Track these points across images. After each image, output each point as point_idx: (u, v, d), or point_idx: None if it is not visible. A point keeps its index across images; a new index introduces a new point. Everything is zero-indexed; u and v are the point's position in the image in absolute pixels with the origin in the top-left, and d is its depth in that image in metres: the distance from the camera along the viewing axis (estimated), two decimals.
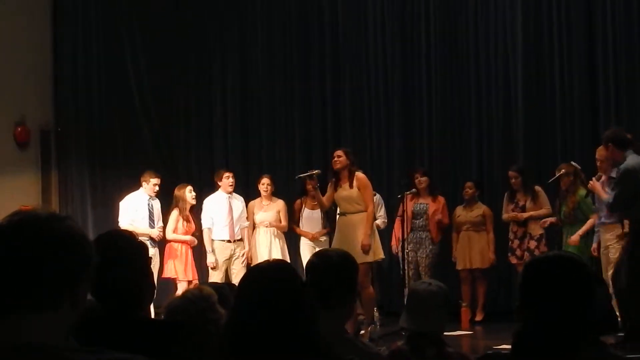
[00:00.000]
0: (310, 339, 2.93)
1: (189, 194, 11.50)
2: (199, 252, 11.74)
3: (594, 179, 9.53)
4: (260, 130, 13.63)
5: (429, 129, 12.90)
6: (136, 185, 11.59)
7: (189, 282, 11.37)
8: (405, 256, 11.13)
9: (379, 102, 13.15)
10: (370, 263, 10.21)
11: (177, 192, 11.54)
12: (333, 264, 3.90)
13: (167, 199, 11.64)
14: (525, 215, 11.31)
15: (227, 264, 11.53)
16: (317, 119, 13.41)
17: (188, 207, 11.50)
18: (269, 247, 11.70)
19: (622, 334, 8.28)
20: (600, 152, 9.53)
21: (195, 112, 13.90)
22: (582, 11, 12.28)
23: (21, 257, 1.91)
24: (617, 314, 7.40)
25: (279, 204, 11.96)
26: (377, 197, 11.54)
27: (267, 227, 11.75)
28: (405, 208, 11.14)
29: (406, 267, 11.07)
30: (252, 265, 11.15)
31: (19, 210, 2.04)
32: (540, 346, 2.89)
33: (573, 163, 10.62)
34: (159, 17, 13.72)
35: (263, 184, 11.86)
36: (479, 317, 11.77)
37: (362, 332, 9.69)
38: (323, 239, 11.72)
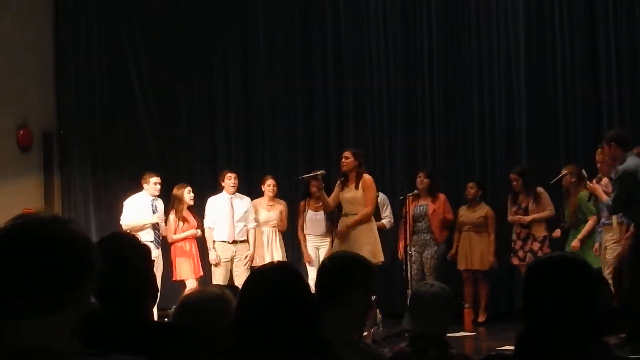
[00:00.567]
0: (313, 341, 2.93)
1: (187, 194, 11.49)
2: (202, 250, 11.73)
3: (593, 181, 9.54)
4: (263, 131, 13.64)
5: (432, 129, 12.90)
6: (139, 188, 11.58)
7: (197, 279, 11.41)
8: (409, 258, 11.13)
9: (381, 102, 13.15)
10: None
11: (175, 191, 11.53)
12: (342, 267, 3.88)
13: (166, 199, 11.63)
14: (529, 218, 11.30)
15: (229, 266, 11.52)
16: (320, 120, 13.41)
17: (185, 207, 11.49)
18: (270, 247, 11.71)
19: (624, 335, 8.27)
20: (600, 154, 9.56)
21: (198, 113, 13.91)
22: (584, 11, 12.28)
23: (24, 260, 1.92)
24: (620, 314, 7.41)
25: (282, 203, 11.99)
26: (383, 197, 11.54)
27: (272, 227, 11.77)
28: (407, 210, 11.15)
29: (409, 269, 11.07)
30: (254, 265, 11.19)
31: (22, 213, 2.04)
32: (543, 347, 2.89)
33: (583, 171, 10.57)
34: (160, 19, 13.73)
35: (269, 185, 11.87)
36: (481, 318, 11.77)
37: (365, 333, 9.68)
38: (327, 240, 11.70)
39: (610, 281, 8.93)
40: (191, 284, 11.24)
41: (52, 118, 13.46)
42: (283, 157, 13.49)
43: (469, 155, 12.78)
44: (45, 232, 1.95)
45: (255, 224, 11.70)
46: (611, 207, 8.92)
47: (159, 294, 3.51)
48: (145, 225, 11.20)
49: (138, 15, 13.77)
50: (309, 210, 11.76)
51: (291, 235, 12.16)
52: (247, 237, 11.65)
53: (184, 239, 11.48)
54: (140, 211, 11.35)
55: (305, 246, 11.77)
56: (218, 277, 11.33)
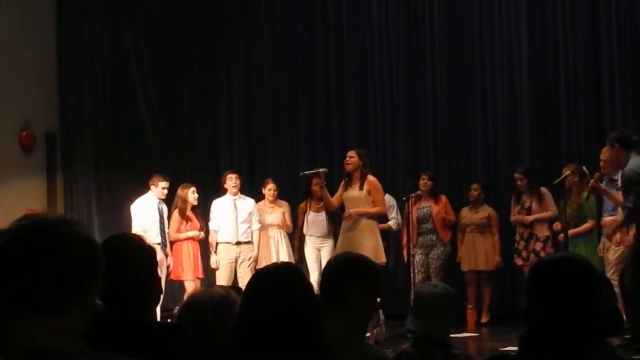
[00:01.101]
0: (316, 342, 2.94)
1: (191, 194, 11.50)
2: (205, 252, 11.74)
3: (595, 179, 9.50)
4: (265, 133, 13.64)
5: (434, 130, 12.90)
6: (142, 189, 11.59)
7: (196, 280, 11.41)
8: (412, 259, 11.13)
9: (384, 103, 13.15)
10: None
11: (179, 191, 11.53)
12: (347, 267, 3.88)
13: (171, 201, 11.63)
14: (531, 218, 11.29)
15: (233, 267, 11.52)
16: (322, 121, 13.41)
17: (189, 207, 11.50)
18: (275, 249, 11.72)
19: (628, 336, 8.27)
20: (605, 153, 9.52)
21: (200, 115, 13.92)
22: (587, 12, 12.28)
23: (30, 261, 1.92)
24: (623, 315, 7.40)
25: (283, 205, 11.99)
26: (390, 198, 11.52)
27: (275, 228, 11.77)
28: (410, 211, 11.14)
29: (413, 270, 11.06)
30: (257, 267, 11.18)
31: (27, 214, 2.04)
32: (546, 348, 2.89)
33: (583, 168, 10.56)
34: (163, 20, 13.74)
35: (270, 190, 11.87)
36: (484, 319, 11.76)
37: (368, 334, 9.68)
38: (329, 241, 11.69)
39: (614, 282, 8.90)
40: (190, 285, 11.24)
41: (55, 119, 13.47)
42: (286, 159, 13.50)
43: (472, 156, 12.78)
44: (51, 233, 1.95)
45: (260, 225, 11.68)
46: (633, 211, 8.69)
47: (162, 295, 3.50)
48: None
49: (141, 17, 13.79)
50: (310, 212, 11.75)
51: (294, 236, 12.15)
52: (252, 238, 11.63)
53: (186, 239, 11.48)
54: (149, 216, 11.32)
55: (297, 249, 11.80)
56: (222, 279, 11.33)
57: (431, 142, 12.91)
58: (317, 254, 11.68)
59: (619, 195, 9.01)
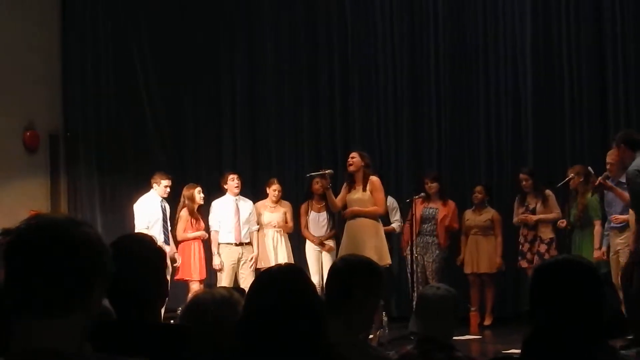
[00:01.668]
0: (319, 343, 2.94)
1: (197, 194, 11.52)
2: (207, 252, 11.75)
3: (602, 177, 9.49)
4: (269, 133, 13.63)
5: (438, 132, 12.89)
6: (145, 189, 11.58)
7: (200, 281, 11.43)
8: (415, 261, 11.12)
9: (387, 105, 13.14)
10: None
11: (185, 191, 11.55)
12: (353, 270, 3.90)
13: (174, 201, 11.64)
14: (535, 218, 11.28)
15: (236, 268, 11.53)
16: (326, 122, 13.40)
17: (197, 206, 11.52)
18: (275, 249, 11.71)
19: (631, 337, 8.24)
20: (611, 155, 9.50)
21: (204, 115, 13.91)
22: (591, 13, 12.27)
23: (37, 261, 1.92)
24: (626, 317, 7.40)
25: (285, 205, 11.99)
26: (392, 201, 11.53)
27: (275, 228, 11.76)
28: (414, 212, 11.14)
29: (415, 271, 11.06)
30: (258, 267, 11.20)
31: (36, 214, 2.05)
32: (549, 350, 2.89)
33: (589, 168, 10.54)
34: (167, 21, 13.74)
35: (274, 190, 11.86)
36: (487, 322, 11.75)
37: (371, 336, 9.68)
38: (330, 242, 11.70)
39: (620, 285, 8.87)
40: (195, 286, 11.26)
41: (59, 120, 13.49)
42: (289, 160, 13.49)
43: (475, 158, 12.77)
44: (59, 233, 1.95)
45: (258, 226, 11.70)
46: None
47: (167, 297, 3.50)
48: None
49: (144, 18, 13.79)
50: (312, 212, 11.76)
51: (297, 237, 12.14)
52: (251, 239, 11.66)
53: (194, 238, 11.50)
54: (152, 214, 11.33)
55: (313, 237, 11.77)
56: (224, 280, 11.34)
57: (435, 143, 12.89)
58: (318, 256, 11.68)
59: (627, 194, 9.01)
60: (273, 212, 11.84)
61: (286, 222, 11.88)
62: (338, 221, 11.36)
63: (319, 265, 11.58)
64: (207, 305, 3.55)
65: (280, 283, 3.02)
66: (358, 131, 13.19)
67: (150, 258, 3.34)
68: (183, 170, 13.37)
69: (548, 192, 11.31)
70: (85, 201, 13.52)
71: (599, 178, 9.56)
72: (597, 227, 10.48)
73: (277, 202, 11.90)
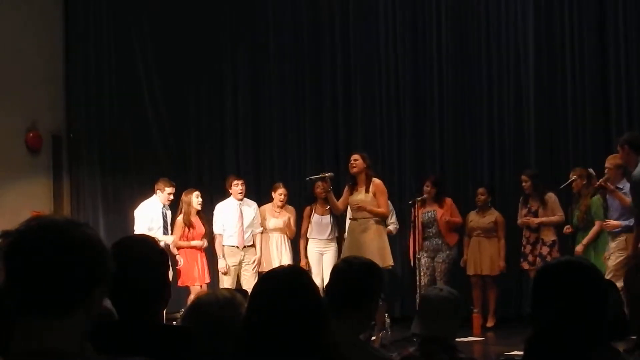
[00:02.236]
0: (322, 345, 2.94)
1: (195, 199, 11.49)
2: (211, 256, 11.74)
3: (604, 179, 9.49)
4: (272, 136, 13.64)
5: (441, 133, 12.89)
6: (148, 191, 11.59)
7: (201, 286, 11.42)
8: (418, 263, 11.13)
9: (390, 107, 13.15)
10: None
11: (184, 197, 11.53)
12: (356, 272, 3.92)
13: (175, 204, 11.63)
14: (537, 221, 11.28)
15: (238, 270, 11.53)
16: (328, 125, 13.41)
17: (193, 212, 11.49)
18: (278, 253, 11.73)
19: (634, 338, 8.21)
20: (610, 160, 9.51)
21: (207, 118, 13.92)
22: (593, 16, 12.27)
23: (38, 263, 1.92)
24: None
25: (290, 210, 11.99)
26: (388, 203, 11.52)
27: (279, 232, 11.77)
28: (416, 214, 11.15)
29: (419, 274, 11.06)
30: (261, 270, 11.20)
31: (36, 215, 2.05)
32: (552, 352, 2.89)
33: (589, 170, 10.55)
34: (170, 23, 13.74)
35: (280, 194, 11.87)
36: (490, 323, 11.75)
37: (374, 338, 9.68)
38: (332, 245, 11.68)
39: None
40: (195, 291, 11.24)
41: (62, 121, 13.48)
42: (291, 163, 13.50)
43: (478, 160, 12.78)
44: (59, 234, 1.95)
45: (262, 229, 11.70)
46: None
47: (169, 299, 3.50)
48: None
49: (147, 19, 13.79)
50: (315, 214, 11.76)
51: (298, 242, 12.12)
52: (254, 241, 11.65)
53: (189, 247, 11.45)
54: (153, 221, 11.31)
55: (305, 254, 11.78)
56: (227, 282, 11.34)
57: (437, 146, 12.90)
58: (320, 258, 11.69)
59: (628, 199, 9.00)
60: (278, 218, 11.85)
61: (289, 227, 11.88)
62: (342, 224, 11.35)
63: (320, 267, 11.58)
64: (210, 306, 3.55)
65: (283, 284, 3.02)
66: (360, 134, 13.19)
67: (152, 259, 3.34)
68: (185, 173, 13.39)
69: (549, 194, 11.30)
70: (88, 202, 13.51)
71: (600, 180, 9.57)
72: (596, 227, 10.47)
73: (282, 207, 11.89)
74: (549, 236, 11.28)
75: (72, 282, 1.93)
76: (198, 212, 11.56)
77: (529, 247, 11.39)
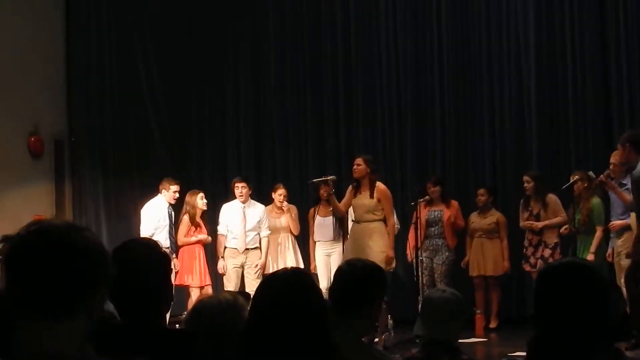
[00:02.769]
0: (326, 347, 2.94)
1: (200, 200, 11.50)
2: (211, 258, 11.73)
3: (604, 175, 9.50)
4: (273, 138, 13.64)
5: (442, 135, 12.89)
6: (150, 195, 11.58)
7: (201, 287, 11.41)
8: (420, 263, 11.13)
9: (391, 108, 13.15)
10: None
11: (188, 198, 11.54)
12: (359, 274, 3.92)
13: (177, 207, 11.63)
14: (540, 224, 11.26)
15: (240, 272, 11.51)
16: (330, 127, 13.41)
17: (199, 213, 11.51)
18: (283, 254, 11.71)
19: (635, 334, 8.22)
20: (615, 156, 9.50)
21: (208, 121, 13.93)
22: (595, 17, 12.26)
23: (39, 267, 1.93)
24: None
25: (291, 208, 11.98)
26: None
27: (284, 232, 11.76)
28: (419, 215, 11.15)
29: (420, 275, 11.07)
30: (265, 273, 11.18)
31: (36, 220, 2.05)
32: (554, 353, 2.89)
33: (589, 173, 10.54)
34: (171, 25, 13.75)
35: (280, 195, 11.87)
36: (493, 324, 11.74)
37: (376, 340, 9.67)
38: (337, 246, 11.67)
39: (624, 287, 8.86)
40: (195, 292, 11.24)
41: (63, 125, 13.48)
42: (293, 165, 13.50)
43: (479, 161, 12.77)
44: (59, 239, 1.96)
45: (269, 232, 11.68)
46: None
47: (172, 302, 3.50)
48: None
49: (149, 22, 13.80)
50: (318, 216, 11.74)
51: (305, 240, 12.11)
52: (260, 244, 11.63)
53: (195, 242, 11.47)
54: (159, 220, 11.32)
55: (314, 257, 11.76)
56: (229, 284, 11.34)
57: (439, 147, 12.89)
58: (327, 261, 11.66)
59: (628, 196, 9.00)
60: (281, 217, 11.85)
61: (293, 224, 11.87)
62: (345, 225, 11.35)
63: (327, 269, 11.56)
64: (212, 309, 3.55)
65: (286, 287, 3.03)
66: (362, 136, 13.20)
67: (155, 262, 3.34)
68: (188, 176, 13.38)
69: (551, 196, 11.29)
70: (90, 206, 13.51)
71: (601, 176, 9.58)
72: (598, 233, 10.47)
73: (281, 207, 11.89)
74: (552, 238, 11.26)
75: (73, 285, 1.94)
76: (202, 214, 11.57)
77: (531, 249, 11.38)
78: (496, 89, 12.71)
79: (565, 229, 10.95)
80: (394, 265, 10.38)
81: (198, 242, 11.51)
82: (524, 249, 11.45)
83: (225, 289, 10.84)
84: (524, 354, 3.07)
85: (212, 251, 11.77)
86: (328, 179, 10.50)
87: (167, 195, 11.40)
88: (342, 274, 3.99)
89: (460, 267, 11.91)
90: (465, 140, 12.82)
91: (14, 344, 1.95)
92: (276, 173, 13.35)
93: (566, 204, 11.11)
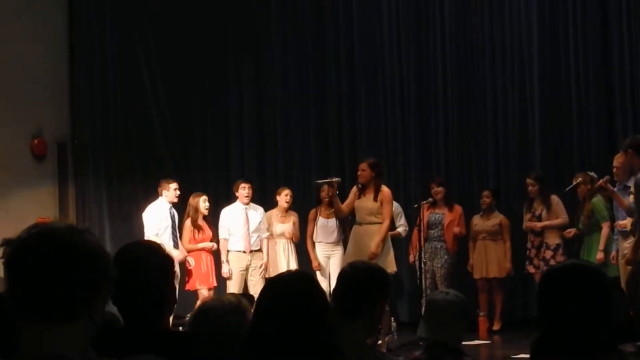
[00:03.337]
0: (329, 349, 2.94)
1: (202, 203, 11.50)
2: (218, 260, 11.74)
3: (604, 180, 9.50)
4: (276, 141, 13.63)
5: (445, 137, 12.88)
6: (153, 197, 11.56)
7: (209, 289, 11.42)
8: (424, 266, 11.14)
9: (394, 111, 13.13)
10: None
11: (191, 200, 11.53)
12: (362, 276, 3.93)
13: (181, 210, 11.62)
14: (540, 225, 11.26)
15: (245, 275, 11.52)
16: (333, 129, 13.40)
17: (200, 216, 11.50)
18: (287, 258, 11.71)
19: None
20: (618, 159, 9.49)
21: (212, 124, 13.92)
22: (598, 18, 12.26)
23: (40, 269, 1.92)
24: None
25: (294, 215, 11.98)
26: (396, 205, 11.53)
27: (287, 238, 11.75)
28: (422, 217, 11.15)
29: (422, 277, 11.07)
30: (269, 276, 11.18)
31: (37, 223, 2.05)
32: (558, 355, 2.89)
33: (590, 173, 10.56)
34: (174, 29, 13.74)
35: (286, 195, 11.85)
36: (496, 327, 11.73)
37: (380, 342, 9.67)
38: (338, 249, 11.66)
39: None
40: (203, 294, 11.25)
41: (67, 128, 13.50)
42: (296, 167, 13.48)
43: (482, 163, 12.76)
44: (61, 242, 1.95)
45: (268, 233, 11.69)
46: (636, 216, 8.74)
47: (175, 305, 3.50)
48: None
49: (152, 26, 13.80)
50: (320, 218, 11.72)
51: (304, 246, 12.11)
52: (261, 246, 11.64)
53: (201, 249, 11.48)
54: (161, 221, 11.31)
55: (315, 256, 11.74)
56: (233, 287, 11.32)
57: (442, 149, 12.88)
58: (326, 262, 11.66)
59: (627, 201, 8.99)
60: (284, 223, 11.84)
61: (295, 232, 11.88)
62: (348, 227, 11.34)
63: (327, 271, 11.56)
64: (216, 312, 3.55)
65: (290, 289, 3.03)
66: (365, 137, 13.19)
67: (157, 264, 3.34)
68: (191, 178, 13.36)
69: (553, 197, 11.29)
70: (94, 208, 13.53)
71: (601, 180, 9.58)
72: (605, 230, 10.45)
73: (288, 210, 11.88)
74: (553, 240, 11.25)
75: (74, 288, 1.94)
76: (204, 216, 11.57)
77: (533, 251, 11.37)
78: (499, 90, 12.70)
79: (569, 232, 10.94)
80: (394, 266, 10.36)
81: (203, 249, 11.49)
82: (527, 251, 11.44)
83: (229, 292, 10.83)
84: (527, 356, 3.07)
85: (217, 255, 11.75)
86: (332, 181, 10.51)
87: (168, 195, 11.39)
88: (345, 276, 3.99)
89: (463, 269, 11.88)
90: (469, 142, 12.80)
91: (16, 346, 1.95)
92: (279, 176, 13.34)
93: (569, 207, 11.10)
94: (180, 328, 7.03)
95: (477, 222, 11.88)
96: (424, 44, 13.09)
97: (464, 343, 4.64)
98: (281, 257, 11.71)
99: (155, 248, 3.48)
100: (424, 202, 11.32)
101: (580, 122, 12.30)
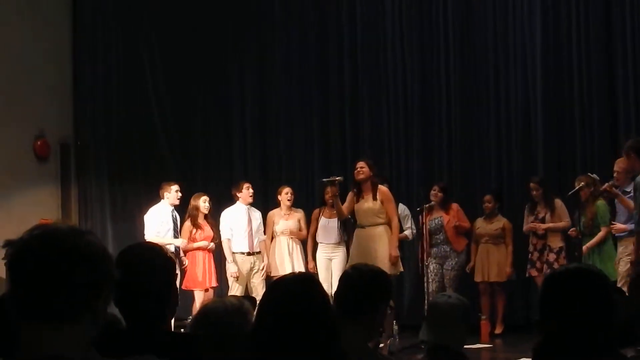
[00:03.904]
0: (331, 352, 2.94)
1: (203, 203, 11.50)
2: (219, 261, 11.73)
3: (609, 184, 9.50)
4: (279, 142, 13.64)
5: (449, 140, 12.87)
6: (156, 199, 11.57)
7: (206, 290, 11.40)
8: (427, 269, 11.13)
9: (397, 115, 13.13)
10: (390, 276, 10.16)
11: (192, 201, 11.53)
12: (365, 279, 3.93)
13: (182, 210, 11.62)
14: (544, 226, 11.26)
15: (248, 277, 11.51)
16: (336, 131, 13.40)
17: (200, 215, 11.50)
18: (290, 256, 11.68)
19: None
20: (619, 164, 9.49)
21: (214, 124, 13.92)
22: (601, 22, 12.25)
23: (43, 271, 1.93)
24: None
25: (299, 212, 11.96)
26: (404, 208, 11.53)
27: (289, 235, 11.73)
28: (424, 221, 11.16)
29: (427, 281, 11.06)
30: (271, 275, 11.18)
31: (39, 224, 2.05)
32: (560, 358, 2.88)
33: (591, 174, 10.56)
34: (177, 30, 13.76)
35: (286, 193, 11.84)
36: (498, 330, 11.72)
37: (382, 345, 9.67)
38: (340, 250, 11.65)
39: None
40: (199, 295, 11.24)
41: (69, 129, 13.52)
42: (299, 168, 13.49)
43: (485, 166, 12.76)
44: (63, 243, 1.96)
45: (265, 236, 11.71)
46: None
47: (177, 307, 3.50)
48: (169, 243, 11.09)
49: (155, 27, 13.82)
50: (322, 217, 11.71)
51: (305, 242, 12.10)
52: (261, 248, 11.65)
53: (197, 249, 11.47)
54: (162, 224, 11.32)
55: (311, 257, 11.74)
56: (236, 289, 11.32)
57: (445, 153, 12.88)
58: (328, 264, 11.64)
59: (632, 203, 8.98)
60: (288, 220, 11.82)
61: (300, 230, 11.87)
62: (349, 228, 11.33)
63: (328, 273, 11.53)
64: (218, 314, 3.55)
65: (293, 292, 3.03)
66: (368, 140, 13.18)
67: (159, 266, 3.34)
68: (193, 179, 13.39)
69: (557, 201, 11.29)
70: (96, 210, 13.54)
71: (606, 185, 9.57)
72: (601, 233, 10.46)
73: (290, 207, 11.87)
74: (556, 243, 11.25)
75: (75, 289, 1.94)
76: (205, 216, 11.57)
77: (536, 254, 11.37)
78: (502, 94, 12.69)
79: (573, 230, 10.93)
80: (401, 267, 10.35)
81: (200, 248, 11.48)
82: (529, 254, 11.44)
83: (230, 294, 10.83)
84: (529, 359, 3.06)
85: (219, 255, 11.74)
86: (336, 180, 10.50)
87: (170, 197, 11.40)
88: (348, 278, 3.99)
89: (466, 272, 11.88)
90: (472, 146, 12.80)
91: (16, 346, 1.95)
92: (282, 176, 13.33)
93: (572, 210, 11.09)
94: (182, 330, 7.03)
95: (480, 225, 11.88)
96: (427, 46, 13.08)
97: (466, 347, 4.63)
98: (285, 256, 11.66)
99: (157, 249, 3.48)
100: (427, 205, 11.32)
101: (583, 127, 12.29)
